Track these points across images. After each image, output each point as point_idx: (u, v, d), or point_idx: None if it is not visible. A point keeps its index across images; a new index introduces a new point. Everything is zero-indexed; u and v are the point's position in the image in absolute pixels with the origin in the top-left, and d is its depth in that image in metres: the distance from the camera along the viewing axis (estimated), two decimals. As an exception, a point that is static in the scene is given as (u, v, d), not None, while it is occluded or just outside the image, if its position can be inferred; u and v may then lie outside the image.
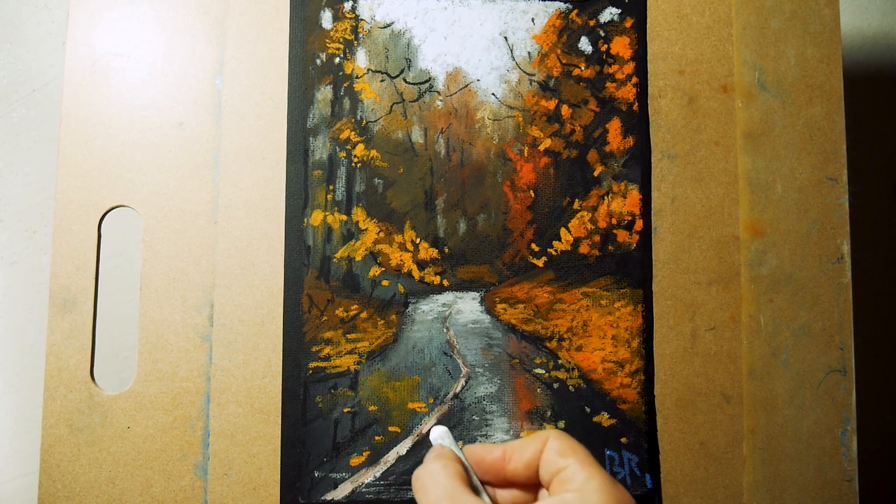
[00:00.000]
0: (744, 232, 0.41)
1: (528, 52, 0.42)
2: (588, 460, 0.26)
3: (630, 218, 0.41)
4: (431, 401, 0.39)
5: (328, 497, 0.38)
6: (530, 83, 0.42)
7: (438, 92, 0.41)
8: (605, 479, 0.25)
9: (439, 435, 0.28)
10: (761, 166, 0.42)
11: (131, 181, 0.39)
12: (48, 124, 0.58)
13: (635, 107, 0.42)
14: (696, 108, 0.42)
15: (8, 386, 0.58)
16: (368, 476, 0.38)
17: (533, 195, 0.41)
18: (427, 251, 0.40)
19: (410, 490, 0.38)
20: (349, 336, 0.39)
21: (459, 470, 0.26)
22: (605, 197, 0.41)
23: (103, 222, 0.39)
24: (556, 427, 0.39)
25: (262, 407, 0.38)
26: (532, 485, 0.28)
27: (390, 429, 0.39)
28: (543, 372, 0.40)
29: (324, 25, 0.41)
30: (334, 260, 0.40)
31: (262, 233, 0.39)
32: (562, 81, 0.42)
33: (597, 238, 0.41)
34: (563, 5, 0.42)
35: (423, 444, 0.39)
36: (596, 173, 0.41)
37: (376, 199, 0.40)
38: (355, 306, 0.40)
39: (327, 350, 0.39)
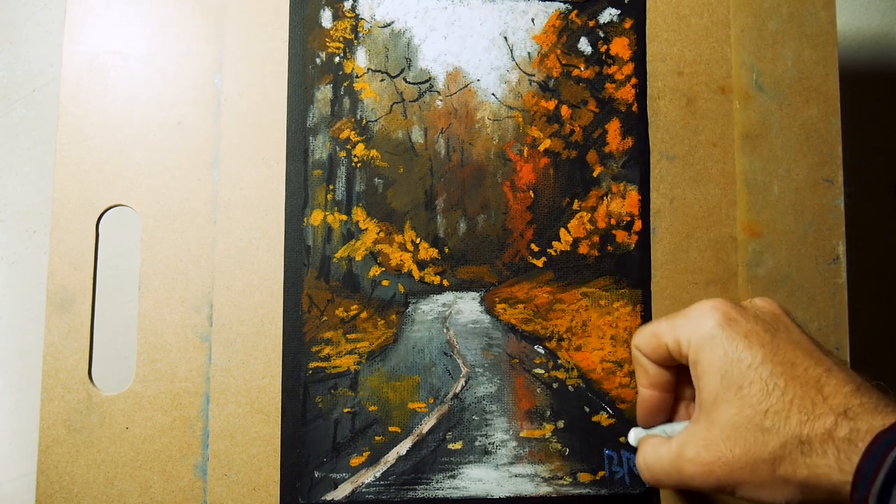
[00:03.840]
0: (741, 233, 0.42)
1: (528, 53, 0.42)
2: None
3: (629, 218, 0.41)
4: (431, 401, 0.39)
5: (328, 497, 0.38)
6: (530, 83, 0.42)
7: (438, 92, 0.41)
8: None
9: (634, 437, 0.36)
10: (758, 167, 0.42)
11: (129, 180, 0.39)
12: (48, 124, 0.57)
13: (634, 108, 0.42)
14: (694, 109, 0.42)
15: (8, 386, 0.58)
16: (368, 476, 0.38)
17: (532, 195, 0.41)
18: (427, 251, 0.40)
19: (410, 490, 0.38)
20: (349, 336, 0.39)
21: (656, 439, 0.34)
22: (605, 197, 0.41)
23: (101, 221, 0.39)
24: (556, 427, 0.39)
25: (262, 407, 0.38)
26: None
27: (390, 429, 0.39)
28: (543, 372, 0.40)
29: (323, 24, 0.41)
30: (334, 260, 0.40)
31: (261, 233, 0.39)
32: (561, 82, 0.42)
33: (596, 238, 0.41)
34: (562, 6, 0.42)
35: (423, 444, 0.39)
36: (595, 174, 0.41)
37: (376, 199, 0.40)
38: (355, 306, 0.39)
39: (327, 350, 0.39)
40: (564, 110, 0.42)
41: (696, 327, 0.31)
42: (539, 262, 0.41)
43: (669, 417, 0.36)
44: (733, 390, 0.29)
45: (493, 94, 0.41)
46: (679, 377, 0.35)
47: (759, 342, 0.30)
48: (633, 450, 0.39)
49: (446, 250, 0.41)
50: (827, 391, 0.28)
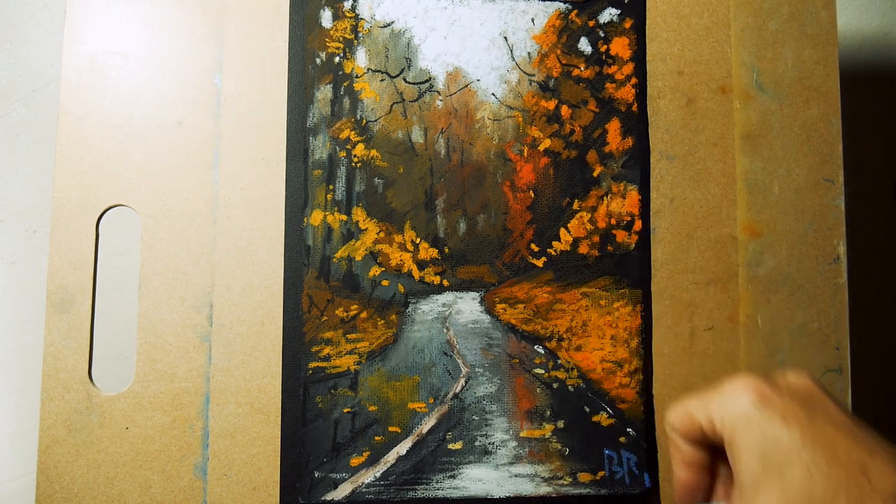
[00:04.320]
0: (741, 232, 0.42)
1: (528, 53, 0.42)
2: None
3: (629, 218, 0.41)
4: (431, 401, 0.39)
5: (328, 497, 0.38)
6: (530, 83, 0.42)
7: (438, 92, 0.41)
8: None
9: None
10: (759, 167, 0.42)
11: (130, 180, 0.39)
12: (48, 124, 0.57)
13: (634, 107, 0.42)
14: (694, 109, 0.42)
15: (8, 386, 0.58)
16: (368, 476, 0.38)
17: (533, 195, 0.41)
18: (427, 251, 0.40)
19: (410, 490, 0.38)
20: (349, 336, 0.39)
21: None
22: (605, 197, 0.41)
23: (101, 221, 0.38)
24: (556, 427, 0.39)
25: (262, 407, 0.38)
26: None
27: (390, 429, 0.39)
28: (543, 372, 0.40)
29: (323, 24, 0.41)
30: (334, 260, 0.40)
31: (261, 233, 0.39)
32: (561, 82, 0.42)
33: (596, 238, 0.41)
34: (562, 6, 0.42)
35: (423, 444, 0.39)
36: (595, 174, 0.41)
37: (376, 199, 0.40)
38: (355, 306, 0.39)
39: (327, 350, 0.39)
40: (564, 110, 0.42)
41: (731, 406, 0.31)
42: (539, 262, 0.41)
43: (707, 497, 0.36)
44: (775, 474, 0.28)
45: (493, 94, 0.41)
46: (714, 455, 0.34)
47: (797, 422, 0.29)
48: (635, 450, 0.40)
49: (446, 250, 0.41)
50: (873, 476, 0.27)
